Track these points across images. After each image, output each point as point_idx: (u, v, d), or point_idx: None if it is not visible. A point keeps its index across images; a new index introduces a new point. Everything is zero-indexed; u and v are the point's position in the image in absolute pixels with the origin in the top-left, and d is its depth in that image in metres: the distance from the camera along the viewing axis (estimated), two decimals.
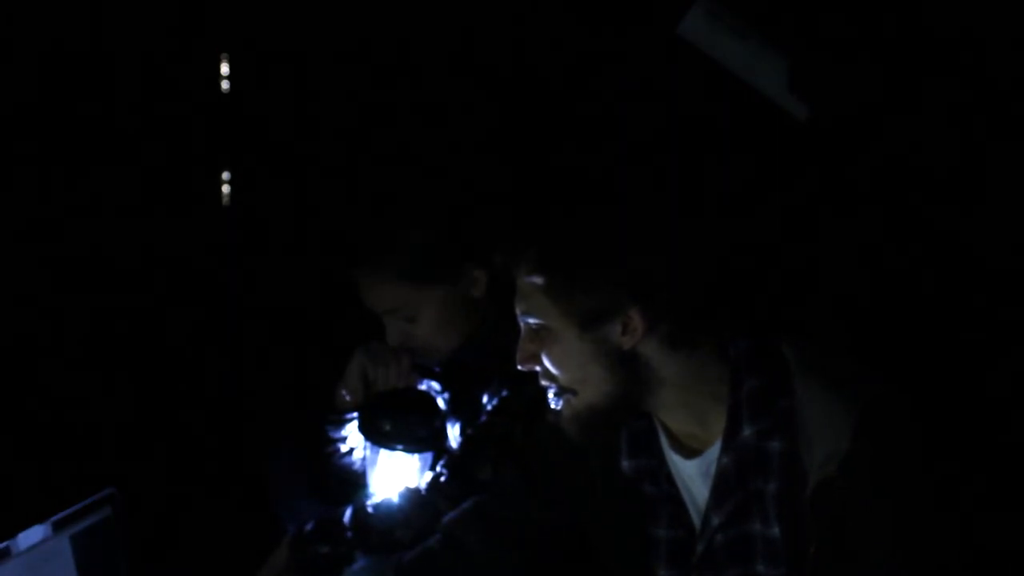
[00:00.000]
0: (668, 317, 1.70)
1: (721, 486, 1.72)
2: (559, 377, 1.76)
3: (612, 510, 1.86)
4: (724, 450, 1.71)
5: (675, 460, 1.79)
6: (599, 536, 1.90)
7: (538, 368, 1.78)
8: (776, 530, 1.68)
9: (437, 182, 2.69)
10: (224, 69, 3.46)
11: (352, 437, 2.40)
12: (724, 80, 2.38)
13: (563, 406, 1.77)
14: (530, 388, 2.24)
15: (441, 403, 2.37)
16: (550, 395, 1.80)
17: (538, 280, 1.74)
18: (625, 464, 1.82)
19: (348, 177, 3.36)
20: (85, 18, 3.29)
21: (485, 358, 2.32)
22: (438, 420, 2.33)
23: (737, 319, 1.76)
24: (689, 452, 1.77)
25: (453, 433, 2.37)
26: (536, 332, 1.76)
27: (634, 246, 1.72)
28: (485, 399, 2.32)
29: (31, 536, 1.86)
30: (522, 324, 1.80)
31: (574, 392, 1.75)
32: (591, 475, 1.87)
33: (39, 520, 1.88)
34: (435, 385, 2.42)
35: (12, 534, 1.84)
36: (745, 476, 1.70)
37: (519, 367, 1.80)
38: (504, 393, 2.28)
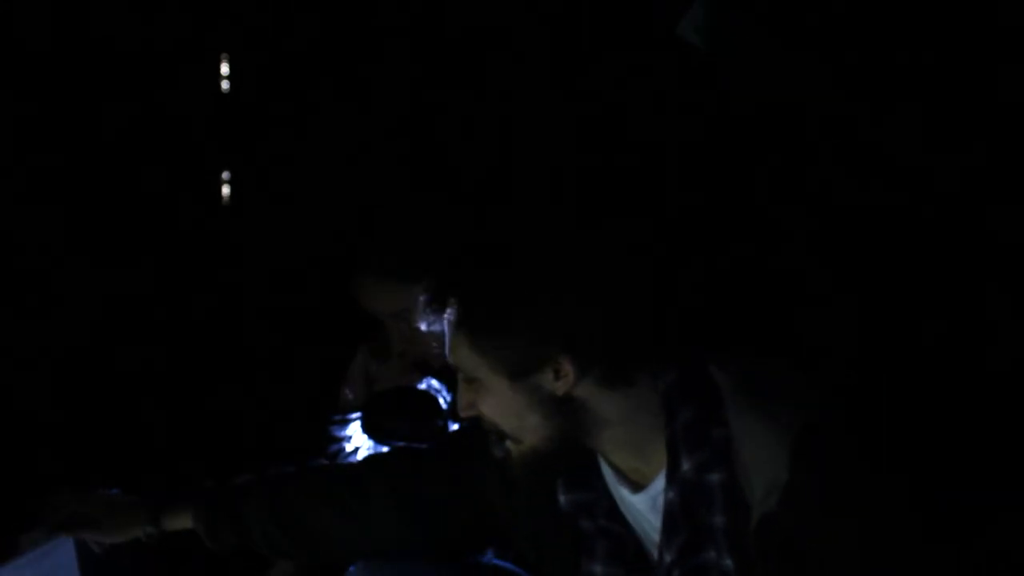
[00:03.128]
0: (600, 359, 1.65)
1: (669, 521, 1.67)
2: (498, 426, 1.71)
3: (547, 544, 1.82)
4: (668, 484, 1.66)
5: (623, 494, 1.74)
6: (538, 569, 1.87)
7: (480, 416, 1.73)
8: (728, 561, 1.63)
9: (436, 182, 2.70)
10: (224, 69, 3.47)
11: (355, 437, 2.40)
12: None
13: (509, 451, 1.72)
14: None
15: (442, 402, 2.38)
16: (493, 440, 1.75)
17: (462, 334, 1.69)
18: (562, 499, 1.77)
19: (348, 177, 3.37)
20: (85, 18, 3.29)
21: None
22: (440, 418, 2.33)
23: (675, 341, 1.71)
24: (635, 486, 1.72)
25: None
26: (470, 383, 1.71)
27: (558, 289, 1.65)
28: None
29: (34, 536, 1.87)
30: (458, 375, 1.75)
31: (516, 439, 1.71)
32: (520, 510, 1.83)
33: (41, 521, 1.88)
34: (435, 384, 2.43)
35: (15, 535, 1.85)
36: (691, 509, 1.65)
37: (460, 416, 1.75)
38: None
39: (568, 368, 1.65)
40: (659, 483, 1.68)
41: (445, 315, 1.70)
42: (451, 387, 2.41)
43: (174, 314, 3.45)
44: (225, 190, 3.55)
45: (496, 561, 2.29)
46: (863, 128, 2.42)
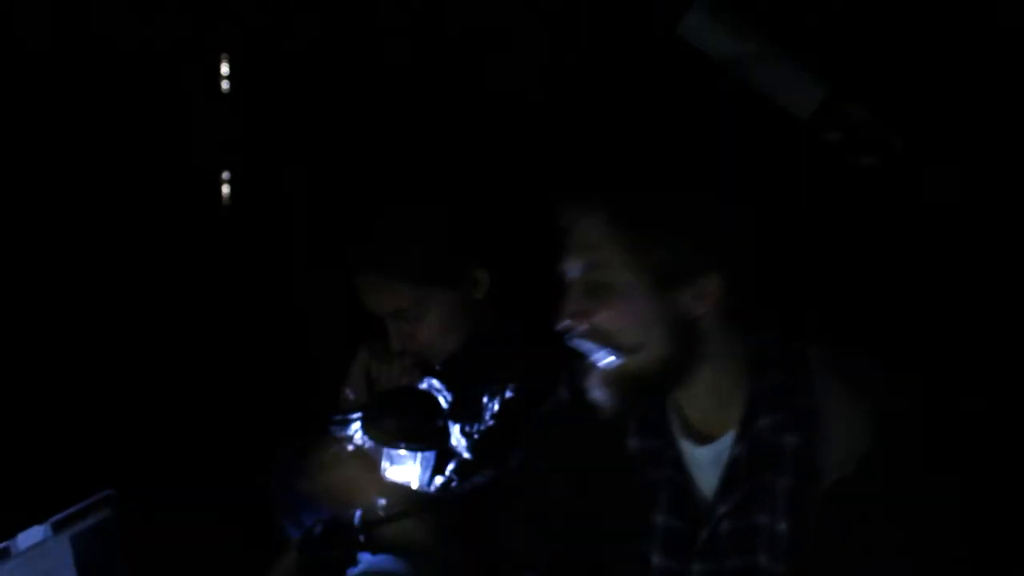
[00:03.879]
0: (741, 292, 1.65)
1: (731, 475, 1.69)
2: (614, 337, 1.67)
3: (610, 493, 1.80)
4: (738, 439, 1.68)
5: (686, 446, 1.74)
6: (593, 522, 1.84)
7: (581, 327, 1.68)
8: (783, 525, 1.65)
9: (438, 183, 2.69)
10: (224, 69, 3.46)
11: (356, 437, 2.40)
12: None
13: (608, 369, 1.68)
14: (533, 388, 2.25)
15: (442, 402, 2.37)
16: (595, 356, 1.69)
17: (616, 230, 1.64)
18: (632, 443, 1.77)
19: (349, 178, 3.36)
20: (85, 18, 3.29)
21: (486, 357, 2.33)
22: (440, 419, 2.33)
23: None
24: (701, 438, 1.73)
25: (454, 432, 2.37)
26: (593, 288, 1.67)
27: (726, 210, 1.65)
28: (485, 399, 2.32)
29: (31, 536, 1.86)
30: (572, 278, 1.69)
31: (625, 355, 1.67)
32: (592, 455, 1.82)
33: (39, 521, 1.88)
34: (436, 384, 2.42)
35: (12, 535, 1.84)
36: (756, 468, 1.67)
37: (559, 325, 1.70)
38: (507, 394, 2.28)
39: (712, 290, 1.64)
40: (727, 439, 1.70)
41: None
42: (451, 387, 2.41)
43: (174, 314, 3.45)
44: (225, 190, 3.55)
45: None
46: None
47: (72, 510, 1.94)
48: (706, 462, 1.73)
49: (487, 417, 2.31)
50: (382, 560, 2.19)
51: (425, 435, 2.30)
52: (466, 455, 2.27)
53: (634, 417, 1.77)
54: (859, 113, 2.35)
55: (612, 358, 1.68)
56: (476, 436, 2.32)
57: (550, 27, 3.05)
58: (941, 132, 2.41)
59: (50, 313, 3.31)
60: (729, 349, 1.69)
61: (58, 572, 1.90)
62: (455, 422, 2.38)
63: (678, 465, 1.75)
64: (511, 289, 2.34)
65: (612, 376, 1.69)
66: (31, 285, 3.29)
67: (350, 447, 2.40)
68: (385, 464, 2.31)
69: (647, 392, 1.71)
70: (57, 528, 1.90)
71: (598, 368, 1.70)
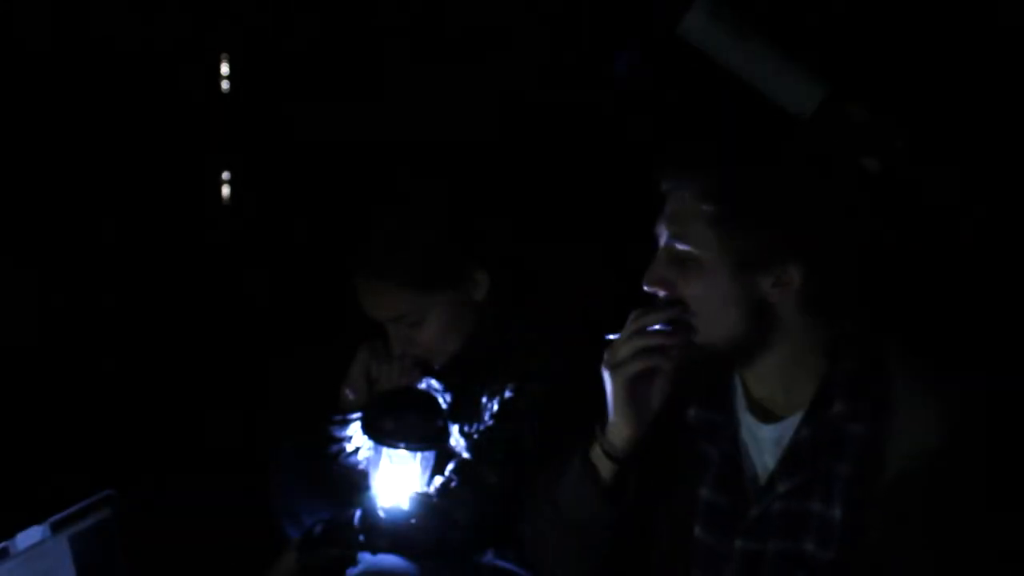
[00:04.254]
0: (822, 281, 1.67)
1: (793, 457, 1.69)
2: (690, 309, 1.68)
3: (660, 463, 1.80)
4: (805, 422, 1.69)
5: (749, 422, 1.75)
6: (638, 492, 1.82)
7: (661, 292, 1.70)
8: (837, 512, 1.66)
9: (437, 184, 2.69)
10: (224, 69, 3.47)
11: (356, 437, 2.40)
12: None
13: (678, 336, 1.69)
14: (532, 387, 2.25)
15: (442, 402, 2.37)
16: (673, 317, 1.70)
17: (707, 206, 1.66)
18: (692, 413, 1.78)
19: (348, 178, 3.37)
20: (85, 18, 3.29)
21: (486, 357, 2.32)
22: (440, 419, 2.33)
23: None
24: (764, 417, 1.74)
25: (454, 432, 2.37)
26: (680, 259, 1.69)
27: (815, 198, 1.67)
28: (485, 399, 2.32)
29: (30, 536, 1.86)
30: (664, 245, 1.71)
31: (697, 329, 1.68)
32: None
33: (38, 521, 1.88)
34: (436, 384, 2.42)
35: (11, 534, 1.84)
36: (819, 452, 1.67)
37: (644, 287, 1.72)
38: (507, 394, 2.28)
39: (792, 278, 1.66)
40: (793, 420, 1.70)
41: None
42: (451, 387, 2.41)
43: (174, 314, 3.45)
44: (225, 190, 3.55)
45: (496, 561, 2.29)
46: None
47: (72, 510, 1.94)
48: (767, 441, 1.73)
49: (487, 417, 2.31)
50: (382, 560, 2.19)
51: (425, 435, 2.30)
52: (466, 455, 2.27)
53: (697, 388, 1.77)
54: (859, 113, 2.35)
55: (689, 327, 1.70)
56: (476, 436, 2.32)
57: (550, 27, 3.05)
58: (941, 132, 2.40)
59: (50, 313, 3.30)
60: (804, 335, 1.70)
61: (57, 572, 1.90)
62: (455, 422, 2.38)
63: (734, 441, 1.76)
64: (510, 289, 2.34)
65: (681, 344, 1.70)
66: (31, 285, 3.29)
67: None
68: (385, 464, 2.31)
69: (713, 366, 1.73)
70: (56, 528, 1.90)
71: (677, 335, 1.70)
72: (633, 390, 1.71)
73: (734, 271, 1.66)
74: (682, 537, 1.77)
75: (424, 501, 2.22)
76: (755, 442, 1.75)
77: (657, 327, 1.70)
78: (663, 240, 1.72)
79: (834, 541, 1.66)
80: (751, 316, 1.68)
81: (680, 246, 1.69)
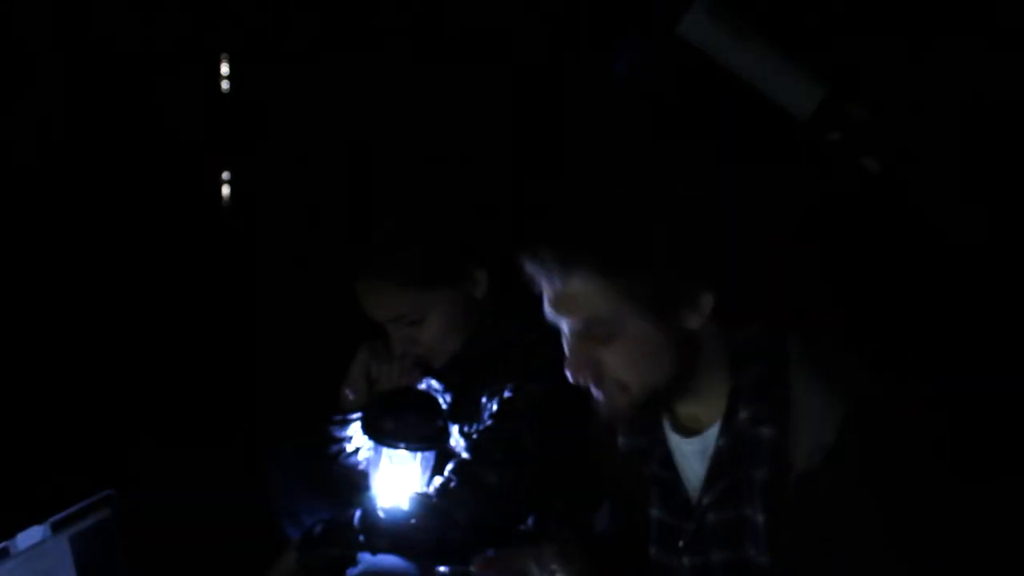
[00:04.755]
0: (730, 296, 1.66)
1: (716, 467, 1.71)
2: (622, 373, 1.67)
3: (616, 484, 1.86)
4: (722, 432, 1.70)
5: (675, 439, 1.77)
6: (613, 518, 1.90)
7: (593, 377, 1.68)
8: (760, 516, 1.68)
9: (435, 184, 2.69)
10: (224, 69, 3.47)
11: (356, 437, 2.40)
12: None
13: (614, 398, 1.68)
14: (532, 387, 2.25)
15: (442, 402, 2.37)
16: (597, 391, 1.69)
17: (605, 282, 1.62)
18: (621, 442, 1.81)
19: (347, 177, 3.37)
20: (85, 19, 3.29)
21: (486, 357, 2.32)
22: (440, 419, 2.33)
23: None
24: (688, 432, 1.75)
25: (453, 432, 2.37)
26: (595, 337, 1.65)
27: (700, 220, 1.64)
28: (485, 399, 2.32)
29: (30, 537, 1.86)
30: (571, 333, 1.67)
31: (640, 386, 1.67)
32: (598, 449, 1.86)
33: (38, 521, 1.88)
34: (436, 384, 2.42)
35: (11, 535, 1.84)
36: (739, 460, 1.69)
37: (572, 379, 1.69)
38: (506, 394, 2.28)
39: (708, 302, 1.64)
40: (712, 432, 1.72)
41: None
42: (451, 388, 2.41)
43: (174, 313, 3.45)
44: (225, 190, 3.55)
45: None
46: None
47: (72, 510, 1.94)
48: (693, 455, 1.75)
49: (486, 417, 2.31)
50: (382, 560, 2.19)
51: (425, 435, 2.30)
52: (465, 455, 2.27)
53: (622, 419, 1.78)
54: (859, 113, 2.35)
55: (620, 389, 1.69)
56: (475, 436, 2.32)
57: (550, 27, 3.05)
58: (941, 132, 2.41)
59: (50, 313, 3.30)
60: (715, 346, 1.70)
61: (58, 572, 1.90)
62: (455, 422, 2.38)
63: (666, 461, 1.78)
64: (510, 288, 2.34)
65: (624, 403, 1.69)
66: (31, 285, 3.29)
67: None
68: (385, 464, 2.31)
69: (656, 409, 1.73)
70: (57, 528, 1.90)
71: (609, 403, 1.70)
72: None
73: (656, 322, 1.64)
74: (642, 557, 1.81)
75: (424, 501, 2.22)
76: (684, 458, 1.77)
77: None
78: (567, 328, 1.67)
79: (765, 545, 1.68)
80: (680, 349, 1.67)
81: (595, 326, 1.65)
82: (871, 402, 1.65)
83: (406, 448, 2.29)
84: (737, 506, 1.70)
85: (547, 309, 1.68)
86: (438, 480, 2.26)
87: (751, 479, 1.69)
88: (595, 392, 1.70)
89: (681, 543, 1.76)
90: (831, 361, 1.70)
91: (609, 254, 1.62)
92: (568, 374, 1.69)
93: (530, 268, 1.66)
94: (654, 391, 1.68)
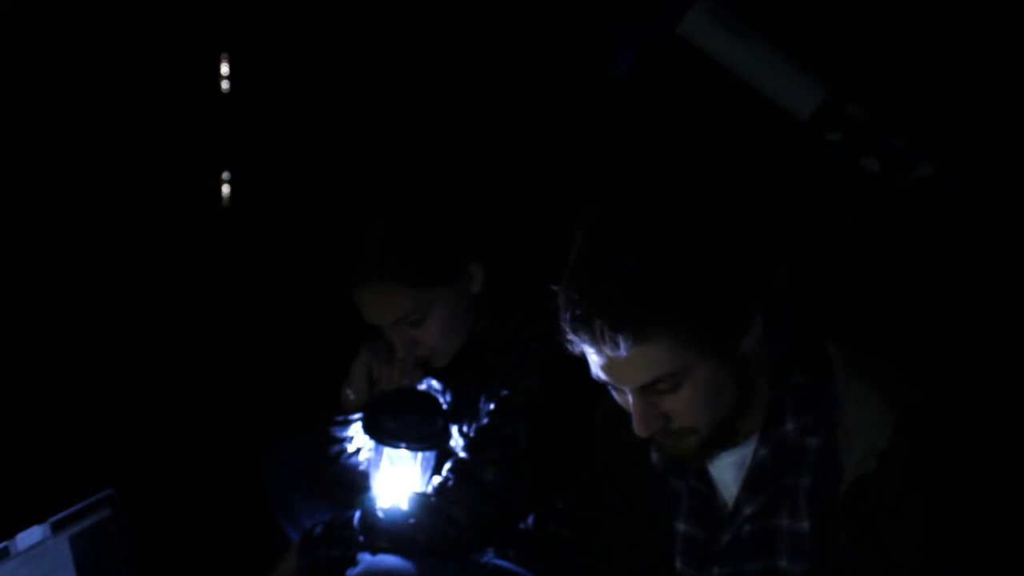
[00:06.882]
0: (776, 313, 1.66)
1: (755, 478, 1.71)
2: (691, 418, 1.64)
3: (638, 503, 1.84)
4: (762, 442, 1.70)
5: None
6: (621, 530, 1.88)
7: (666, 433, 1.66)
8: (805, 524, 1.68)
9: (429, 183, 2.69)
10: (224, 69, 3.47)
11: (357, 437, 2.40)
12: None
13: (685, 443, 1.67)
14: (529, 384, 2.25)
15: (442, 402, 2.37)
16: (666, 440, 1.68)
17: (678, 343, 1.58)
18: (655, 456, 1.80)
19: (346, 177, 3.37)
20: (85, 18, 3.29)
21: (483, 356, 2.32)
22: (441, 419, 2.33)
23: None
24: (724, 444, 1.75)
25: (453, 432, 2.37)
26: (661, 391, 1.62)
27: (735, 252, 1.62)
28: (483, 398, 2.32)
29: (30, 536, 1.86)
30: (634, 395, 1.64)
31: (699, 427, 1.65)
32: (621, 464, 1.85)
33: (38, 520, 1.88)
34: (436, 384, 2.42)
35: (11, 534, 1.84)
36: (780, 470, 1.69)
37: (642, 435, 1.66)
38: (503, 393, 2.28)
39: (759, 320, 1.64)
40: (751, 442, 1.72)
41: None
42: (451, 388, 2.41)
43: (174, 313, 3.45)
44: (225, 190, 3.55)
45: (496, 561, 2.29)
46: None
47: (72, 510, 1.94)
48: (728, 466, 1.75)
49: (483, 417, 2.31)
50: (382, 560, 2.19)
51: (425, 435, 2.30)
52: (463, 455, 2.27)
53: None
54: (859, 113, 2.35)
55: (694, 434, 1.67)
56: (472, 434, 2.32)
57: (550, 27, 3.05)
58: (941, 132, 2.41)
59: (50, 313, 3.30)
60: (760, 360, 1.70)
61: (57, 572, 1.90)
62: (454, 422, 2.38)
63: (702, 475, 1.77)
64: (508, 285, 2.34)
65: (694, 447, 1.68)
66: (31, 285, 3.29)
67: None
68: (386, 464, 2.31)
69: (724, 437, 1.70)
70: (57, 528, 1.90)
71: (677, 449, 1.69)
72: None
73: (721, 360, 1.63)
74: (665, 571, 1.81)
75: (423, 501, 2.22)
76: (718, 471, 1.76)
77: None
78: (630, 391, 1.64)
79: (805, 554, 1.68)
80: (739, 376, 1.66)
81: (658, 382, 1.62)
82: (920, 407, 1.65)
83: (407, 448, 2.29)
84: (775, 516, 1.71)
85: (599, 374, 1.64)
86: (436, 479, 2.26)
87: (793, 488, 1.69)
88: (663, 441, 1.68)
89: (712, 555, 1.76)
90: (874, 368, 1.70)
91: (683, 317, 1.58)
92: (638, 432, 1.65)
93: (583, 339, 1.61)
94: (722, 425, 1.68)
